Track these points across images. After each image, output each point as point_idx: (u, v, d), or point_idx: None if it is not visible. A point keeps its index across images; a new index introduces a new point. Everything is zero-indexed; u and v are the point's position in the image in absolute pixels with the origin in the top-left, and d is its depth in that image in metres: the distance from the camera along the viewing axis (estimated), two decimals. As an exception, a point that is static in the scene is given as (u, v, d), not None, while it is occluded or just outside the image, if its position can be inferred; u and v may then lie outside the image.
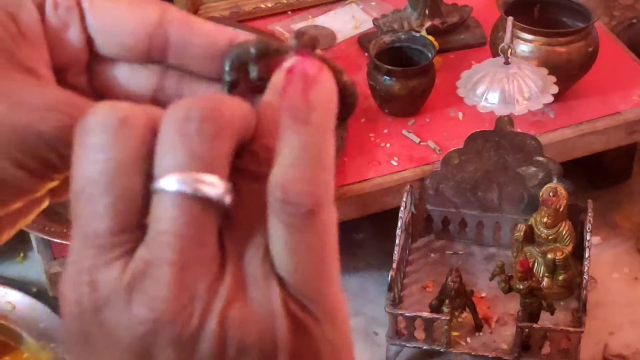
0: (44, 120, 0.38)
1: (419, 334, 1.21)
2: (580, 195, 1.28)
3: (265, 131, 0.38)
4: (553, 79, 1.25)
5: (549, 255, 1.21)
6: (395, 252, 1.23)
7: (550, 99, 1.24)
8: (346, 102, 0.45)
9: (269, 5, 1.60)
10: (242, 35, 0.41)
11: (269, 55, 0.40)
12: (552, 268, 1.22)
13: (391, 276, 1.20)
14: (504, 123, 1.25)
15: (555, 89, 1.24)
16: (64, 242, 1.21)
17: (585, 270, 1.20)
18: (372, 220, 1.36)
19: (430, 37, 1.43)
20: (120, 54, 0.41)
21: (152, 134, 0.36)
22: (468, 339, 1.23)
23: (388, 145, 1.37)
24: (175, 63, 0.41)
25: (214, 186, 0.35)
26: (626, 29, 1.70)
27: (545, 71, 1.26)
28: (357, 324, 1.32)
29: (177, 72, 0.42)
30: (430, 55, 1.40)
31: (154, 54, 0.41)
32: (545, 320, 1.20)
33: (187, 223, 0.35)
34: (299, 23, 1.59)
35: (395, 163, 1.34)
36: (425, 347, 1.22)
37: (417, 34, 1.44)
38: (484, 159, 1.27)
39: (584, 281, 1.20)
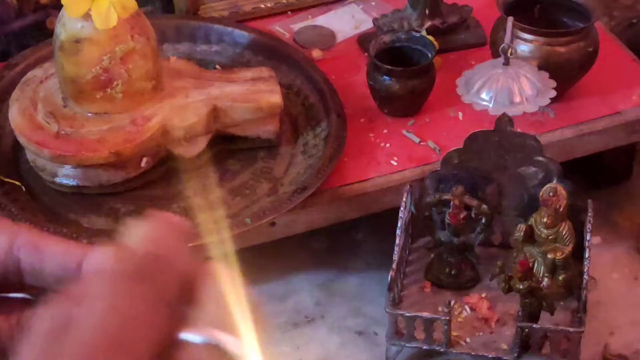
0: None
1: (419, 334, 1.21)
2: (580, 195, 1.28)
3: None
4: (553, 83, 1.25)
5: (549, 255, 1.21)
6: (395, 252, 1.23)
7: (553, 93, 1.24)
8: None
9: (269, 5, 1.60)
10: (92, 253, 0.42)
11: None
12: (552, 268, 1.22)
13: (391, 276, 1.20)
14: (504, 123, 1.25)
15: (553, 93, 1.24)
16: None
17: (585, 270, 1.20)
18: (372, 220, 1.36)
19: (430, 37, 1.43)
20: None
21: None
22: (468, 339, 1.23)
23: (388, 145, 1.37)
24: (32, 283, 0.42)
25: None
26: (626, 29, 1.70)
27: (545, 75, 1.26)
28: (357, 324, 1.32)
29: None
30: (430, 55, 1.40)
31: (10, 278, 0.42)
32: (545, 320, 1.20)
33: None
34: (299, 23, 1.59)
35: (395, 163, 1.34)
36: (425, 347, 1.22)
37: (417, 34, 1.44)
38: (484, 159, 1.27)
39: (584, 281, 1.20)
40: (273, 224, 1.26)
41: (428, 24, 1.50)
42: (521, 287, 1.16)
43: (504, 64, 1.23)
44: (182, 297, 0.39)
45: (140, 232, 0.40)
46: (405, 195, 1.26)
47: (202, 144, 1.31)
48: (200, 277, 0.40)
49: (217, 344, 0.38)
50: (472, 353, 1.22)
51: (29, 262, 0.42)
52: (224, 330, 0.38)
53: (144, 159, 1.28)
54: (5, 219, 0.44)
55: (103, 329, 0.36)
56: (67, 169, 1.27)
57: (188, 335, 0.38)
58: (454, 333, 1.21)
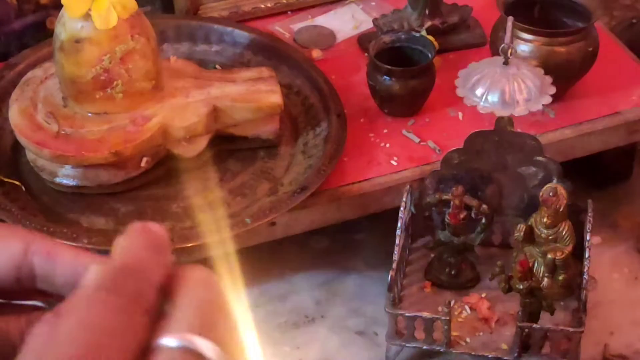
0: None
1: (419, 334, 1.21)
2: (580, 195, 1.28)
3: None
4: (550, 79, 1.25)
5: (549, 255, 1.21)
6: (395, 252, 1.23)
7: (549, 100, 1.24)
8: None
9: (269, 5, 1.60)
10: (100, 260, 0.44)
11: None
12: (552, 268, 1.22)
13: (391, 276, 1.20)
14: (504, 123, 1.25)
15: (552, 90, 1.24)
16: (64, 242, 1.21)
17: (585, 270, 1.20)
18: (372, 220, 1.36)
19: (430, 37, 1.43)
20: None
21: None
22: (468, 339, 1.23)
23: (388, 145, 1.37)
24: (44, 288, 0.45)
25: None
26: (626, 29, 1.70)
27: (541, 71, 1.26)
28: (357, 324, 1.32)
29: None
30: (430, 55, 1.40)
31: (24, 282, 0.45)
32: (545, 320, 1.20)
33: None
34: (299, 23, 1.59)
35: (395, 163, 1.34)
36: (425, 347, 1.22)
37: (417, 34, 1.44)
38: (484, 159, 1.27)
39: (584, 281, 1.20)
40: (273, 224, 1.26)
41: (428, 24, 1.50)
42: (521, 287, 1.16)
43: (503, 63, 1.23)
44: (158, 303, 0.40)
45: (118, 245, 0.41)
46: (405, 195, 1.26)
47: (202, 144, 1.31)
48: (178, 283, 0.41)
49: (193, 349, 0.39)
50: (472, 353, 1.22)
51: (42, 267, 0.44)
52: (201, 334, 0.39)
53: (144, 159, 1.28)
54: (20, 227, 0.47)
55: (77, 342, 0.37)
56: (67, 169, 1.27)
57: (164, 340, 0.39)
58: (454, 333, 1.21)
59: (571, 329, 1.17)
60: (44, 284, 0.44)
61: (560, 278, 1.23)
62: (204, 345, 0.39)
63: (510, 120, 1.25)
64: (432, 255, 1.31)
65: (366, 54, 1.46)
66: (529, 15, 1.43)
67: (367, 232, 1.43)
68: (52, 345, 0.37)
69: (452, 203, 1.24)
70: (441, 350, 1.21)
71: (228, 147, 1.35)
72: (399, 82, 1.37)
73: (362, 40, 1.54)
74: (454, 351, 1.22)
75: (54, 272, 0.44)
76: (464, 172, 1.28)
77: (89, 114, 1.27)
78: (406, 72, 1.37)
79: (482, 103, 1.22)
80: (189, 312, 0.40)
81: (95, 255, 0.45)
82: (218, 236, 1.22)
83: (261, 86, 1.33)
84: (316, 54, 1.52)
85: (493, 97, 1.22)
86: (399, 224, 1.25)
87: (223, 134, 1.33)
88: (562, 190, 1.21)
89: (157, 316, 0.40)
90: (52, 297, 0.45)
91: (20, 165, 1.33)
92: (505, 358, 1.20)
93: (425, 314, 1.19)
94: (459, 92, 1.24)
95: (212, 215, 1.25)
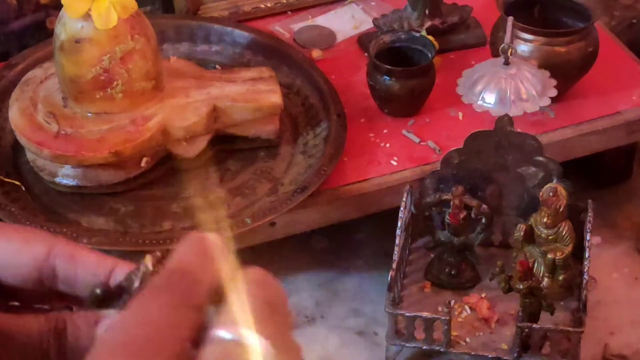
0: None
1: (419, 334, 1.21)
2: (580, 195, 1.28)
3: None
4: (553, 82, 1.25)
5: (549, 255, 1.21)
6: (395, 252, 1.23)
7: (548, 102, 1.24)
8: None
9: (269, 5, 1.60)
10: (121, 265, 0.48)
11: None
12: (552, 268, 1.22)
13: (391, 276, 1.20)
14: (504, 123, 1.25)
15: (554, 92, 1.24)
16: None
17: (585, 270, 1.20)
18: (372, 220, 1.36)
19: (430, 37, 1.43)
20: (14, 283, 0.48)
21: None
22: (468, 339, 1.23)
23: (388, 145, 1.37)
24: (64, 290, 0.47)
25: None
26: (626, 29, 1.70)
27: (547, 73, 1.26)
28: (357, 324, 1.32)
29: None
30: (430, 55, 1.40)
31: (45, 282, 0.47)
32: (545, 320, 1.20)
33: None
34: (299, 23, 1.59)
35: (395, 163, 1.34)
36: (425, 347, 1.22)
37: (417, 34, 1.44)
38: (484, 159, 1.27)
39: (584, 281, 1.20)
40: (273, 224, 1.26)
41: (428, 24, 1.50)
42: (521, 287, 1.16)
43: (504, 63, 1.23)
44: (210, 301, 0.44)
45: (174, 252, 0.45)
46: (405, 195, 1.26)
47: (202, 144, 1.31)
48: (234, 282, 0.45)
49: (243, 342, 0.42)
50: (472, 353, 1.22)
51: (64, 269, 0.47)
52: (251, 329, 0.42)
53: (144, 159, 1.28)
54: (44, 231, 0.50)
55: (133, 334, 0.41)
56: (67, 169, 1.27)
57: (217, 332, 0.42)
58: (454, 333, 1.21)
59: (571, 329, 1.17)
60: (65, 286, 0.47)
61: (560, 278, 1.23)
62: (253, 339, 0.42)
63: (510, 120, 1.25)
64: (432, 255, 1.31)
65: (366, 54, 1.46)
66: (529, 15, 1.43)
67: (367, 232, 1.43)
68: (113, 340, 0.40)
69: (452, 203, 1.24)
70: (441, 350, 1.21)
71: (228, 147, 1.35)
72: (399, 82, 1.37)
73: (362, 40, 1.54)
74: (454, 351, 1.22)
75: (75, 275, 0.46)
76: (464, 172, 1.28)
77: (89, 114, 1.27)
78: (406, 72, 1.37)
79: (478, 101, 1.22)
80: (242, 309, 0.43)
81: (117, 259, 0.48)
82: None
83: (261, 86, 1.33)
84: (316, 54, 1.52)
85: (490, 96, 1.22)
86: (399, 224, 1.24)
87: (223, 134, 1.34)
88: (562, 190, 1.21)
89: (212, 313, 0.43)
90: (69, 301, 0.48)
91: (20, 165, 1.33)
92: (505, 358, 1.21)
93: (425, 314, 1.19)
94: (459, 89, 1.24)
95: (212, 215, 1.25)
